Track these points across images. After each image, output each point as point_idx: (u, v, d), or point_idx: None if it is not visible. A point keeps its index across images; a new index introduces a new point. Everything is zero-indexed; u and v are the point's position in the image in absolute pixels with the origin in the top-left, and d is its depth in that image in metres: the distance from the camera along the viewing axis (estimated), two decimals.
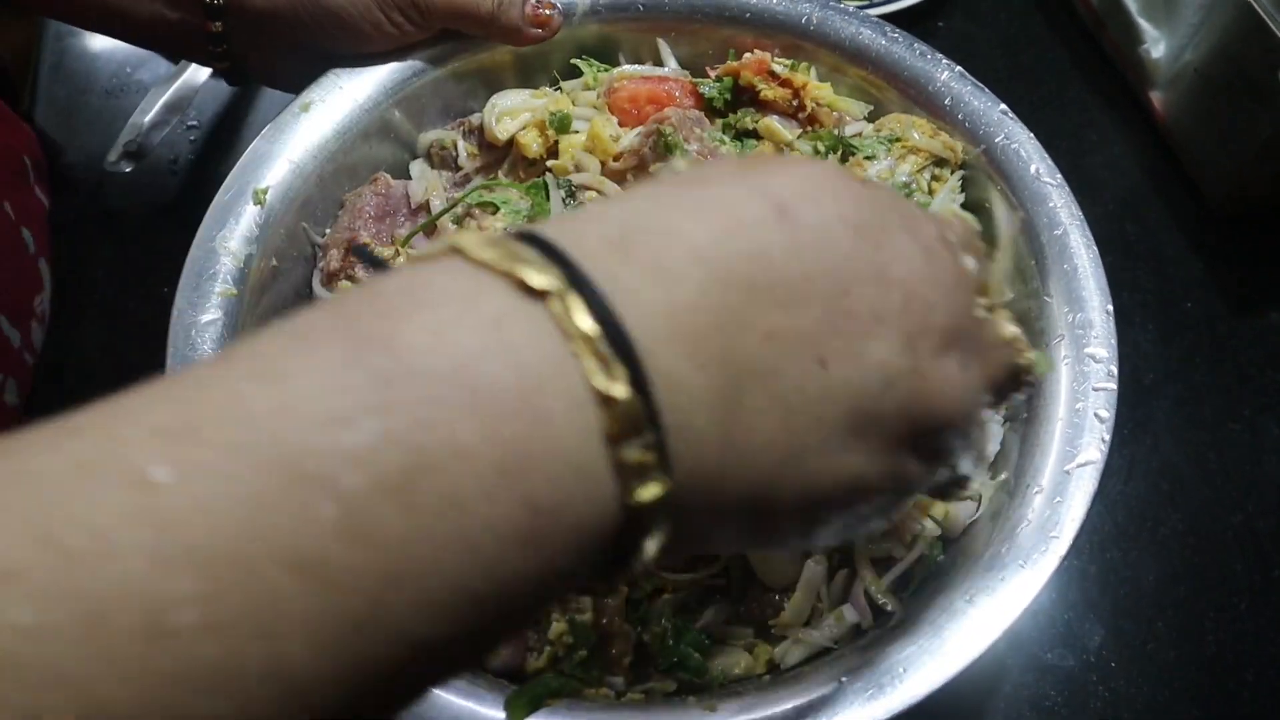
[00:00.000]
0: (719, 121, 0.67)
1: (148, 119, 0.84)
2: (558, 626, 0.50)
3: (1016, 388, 0.38)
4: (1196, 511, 0.70)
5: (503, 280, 0.24)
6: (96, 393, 0.25)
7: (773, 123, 0.65)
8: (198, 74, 0.82)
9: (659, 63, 0.72)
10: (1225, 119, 0.77)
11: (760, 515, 0.29)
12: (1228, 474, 0.71)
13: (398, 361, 0.22)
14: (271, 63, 0.68)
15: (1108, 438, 0.54)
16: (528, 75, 0.72)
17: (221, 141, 0.83)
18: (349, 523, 0.21)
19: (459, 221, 0.64)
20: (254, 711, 0.20)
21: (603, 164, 0.65)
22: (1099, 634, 0.65)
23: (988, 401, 0.35)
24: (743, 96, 0.67)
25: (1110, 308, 0.58)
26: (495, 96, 0.69)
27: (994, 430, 0.58)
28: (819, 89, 0.67)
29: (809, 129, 0.67)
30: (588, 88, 0.70)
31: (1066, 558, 0.67)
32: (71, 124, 0.86)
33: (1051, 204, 0.61)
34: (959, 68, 0.66)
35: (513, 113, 0.67)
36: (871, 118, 0.69)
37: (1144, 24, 0.83)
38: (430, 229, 0.64)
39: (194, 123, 0.85)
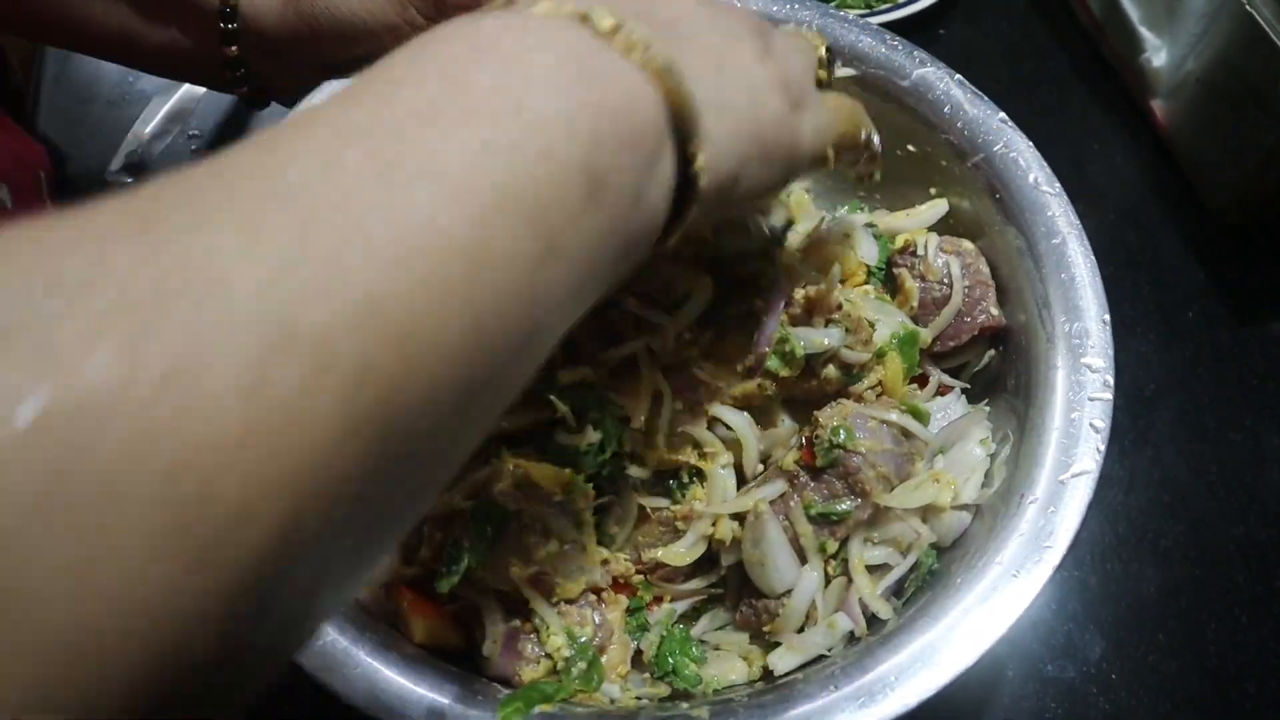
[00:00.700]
0: None
1: (150, 129, 0.84)
2: (555, 640, 0.51)
3: (857, 151, 0.50)
4: (1198, 522, 0.70)
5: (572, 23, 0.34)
6: None
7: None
8: None
9: None
10: (1227, 128, 0.77)
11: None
12: (1229, 485, 0.71)
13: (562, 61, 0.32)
14: (292, 80, 0.68)
15: (1103, 448, 0.53)
16: None
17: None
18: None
19: None
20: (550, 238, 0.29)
21: None
22: (1100, 645, 0.65)
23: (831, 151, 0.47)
24: None
25: (1107, 317, 0.58)
26: None
27: (977, 456, 0.58)
28: None
29: None
30: None
31: (1067, 569, 0.68)
32: (74, 134, 0.86)
33: (1050, 213, 0.61)
34: (958, 75, 0.66)
35: None
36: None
37: (1145, 33, 0.83)
38: None
39: (196, 132, 0.85)
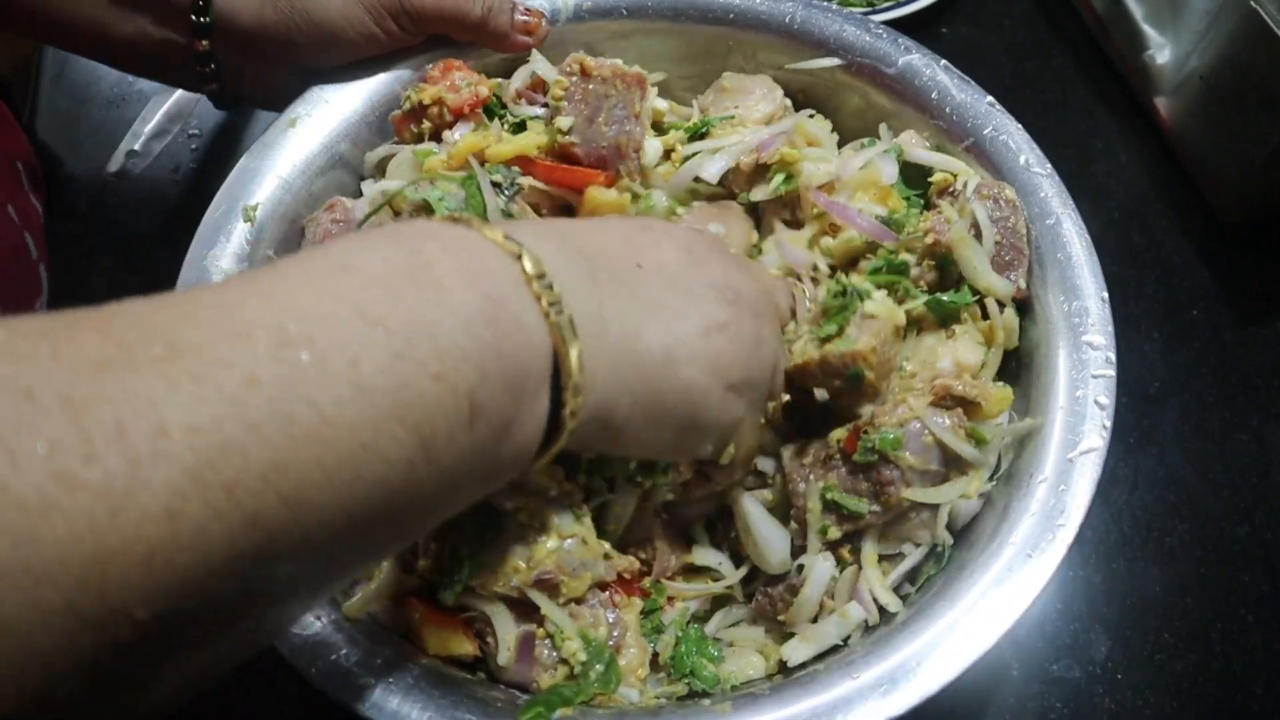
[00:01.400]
0: None
1: (148, 128, 0.84)
2: (570, 645, 0.50)
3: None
4: (1203, 522, 0.69)
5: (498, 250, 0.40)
6: None
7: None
8: None
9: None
10: (1232, 127, 0.77)
11: (645, 365, 0.44)
12: (1235, 484, 0.71)
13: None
14: (260, 81, 0.68)
15: (1109, 424, 0.53)
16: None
17: (222, 151, 0.83)
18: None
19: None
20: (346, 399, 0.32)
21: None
22: (1105, 645, 0.65)
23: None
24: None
25: (1105, 295, 0.57)
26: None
27: (972, 508, 0.56)
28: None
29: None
30: None
31: (1073, 568, 0.67)
32: (73, 134, 0.86)
33: (1043, 194, 0.61)
34: (944, 61, 0.66)
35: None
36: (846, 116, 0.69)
37: (1149, 30, 0.83)
38: None
39: (195, 132, 0.85)
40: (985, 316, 0.59)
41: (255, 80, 0.68)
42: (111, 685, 0.28)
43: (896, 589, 0.55)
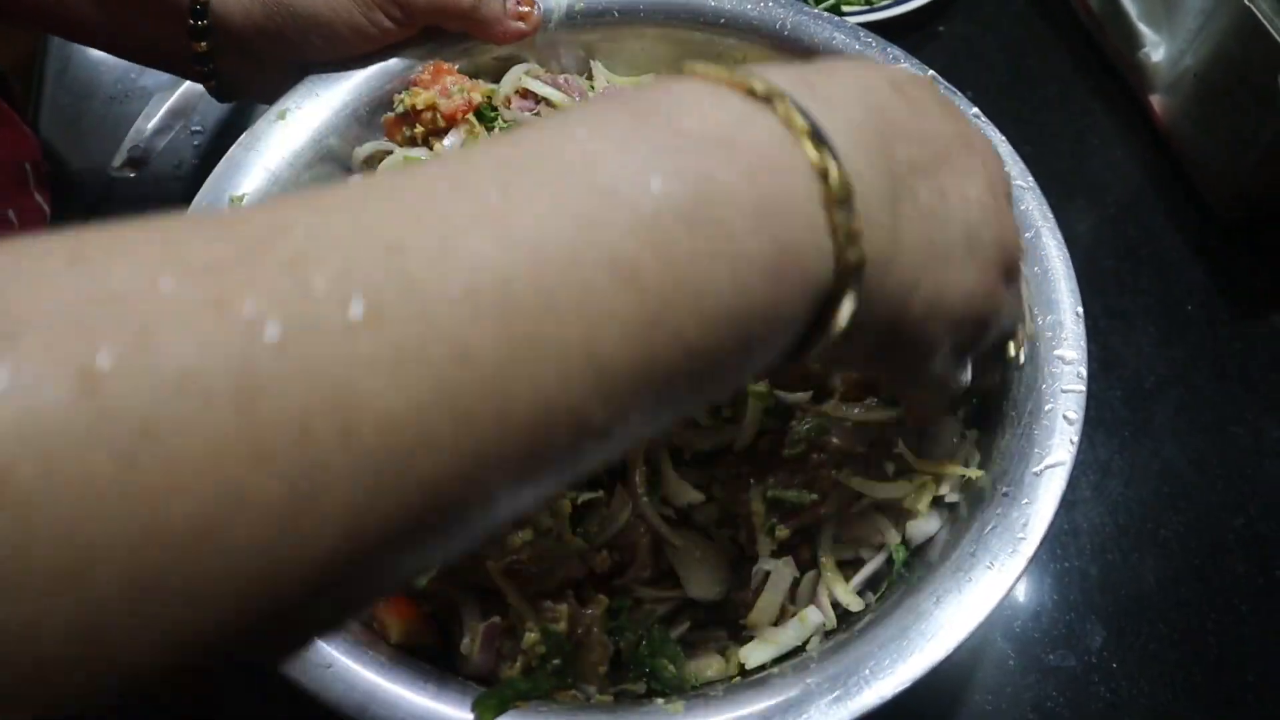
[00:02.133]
0: None
1: (151, 125, 0.85)
2: (530, 637, 0.50)
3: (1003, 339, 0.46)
4: (1198, 514, 0.70)
5: (735, 91, 0.31)
6: None
7: None
8: None
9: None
10: (1226, 123, 0.77)
11: (903, 317, 0.36)
12: (1229, 477, 0.71)
13: (677, 132, 0.29)
14: (257, 78, 0.68)
15: (1076, 439, 0.53)
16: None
17: (225, 147, 0.82)
18: (652, 237, 0.26)
19: None
20: (573, 382, 0.25)
21: None
22: (1101, 635, 0.65)
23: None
24: None
25: (1080, 310, 0.57)
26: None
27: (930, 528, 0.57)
28: None
29: None
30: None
31: (1069, 559, 0.68)
32: (76, 130, 0.86)
33: (1024, 206, 0.61)
34: (931, 70, 0.66)
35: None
36: None
37: (1144, 28, 0.83)
38: None
39: (198, 128, 0.85)
40: None
41: (252, 77, 0.68)
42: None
43: (859, 596, 0.55)
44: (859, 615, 0.54)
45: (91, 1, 0.65)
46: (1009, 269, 0.41)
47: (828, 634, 0.54)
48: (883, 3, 0.90)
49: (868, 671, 0.47)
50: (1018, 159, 0.63)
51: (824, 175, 0.30)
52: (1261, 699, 0.63)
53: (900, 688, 0.47)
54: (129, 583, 0.19)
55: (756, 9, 0.69)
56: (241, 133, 0.63)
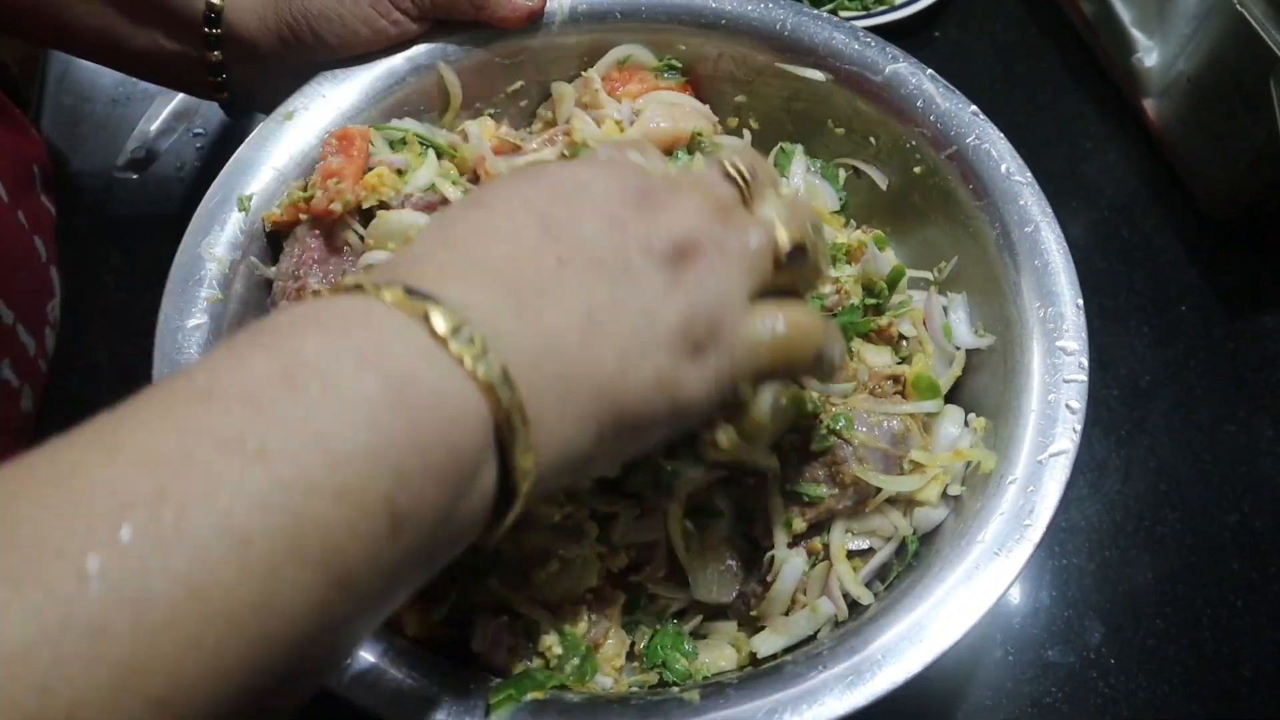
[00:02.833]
0: None
1: (154, 127, 0.85)
2: (546, 640, 0.51)
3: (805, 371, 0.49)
4: (1193, 511, 0.71)
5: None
6: (105, 401, 0.29)
7: None
8: None
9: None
10: (1218, 127, 0.79)
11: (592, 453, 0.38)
12: (1224, 474, 0.72)
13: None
14: (267, 86, 0.67)
15: (1079, 427, 0.54)
16: (491, 97, 0.72)
17: (227, 149, 0.82)
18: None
19: None
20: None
21: None
22: (1099, 631, 0.66)
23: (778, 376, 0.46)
24: None
25: (1080, 302, 0.58)
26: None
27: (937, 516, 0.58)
28: None
29: None
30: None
31: (1066, 556, 0.69)
32: (78, 132, 0.86)
33: (1023, 201, 0.62)
34: (929, 70, 0.67)
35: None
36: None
37: (1137, 34, 0.84)
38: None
39: (200, 130, 0.86)
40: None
41: (262, 85, 0.68)
42: None
43: (867, 586, 0.56)
44: (866, 606, 0.54)
45: (104, 17, 0.65)
46: (679, 249, 0.40)
47: (838, 624, 0.55)
48: (879, 8, 0.92)
49: (881, 657, 0.48)
50: (1015, 156, 0.64)
51: (424, 316, 0.33)
52: (1257, 692, 0.64)
53: (912, 673, 0.47)
54: None
55: (757, 10, 0.70)
56: (243, 135, 0.64)
